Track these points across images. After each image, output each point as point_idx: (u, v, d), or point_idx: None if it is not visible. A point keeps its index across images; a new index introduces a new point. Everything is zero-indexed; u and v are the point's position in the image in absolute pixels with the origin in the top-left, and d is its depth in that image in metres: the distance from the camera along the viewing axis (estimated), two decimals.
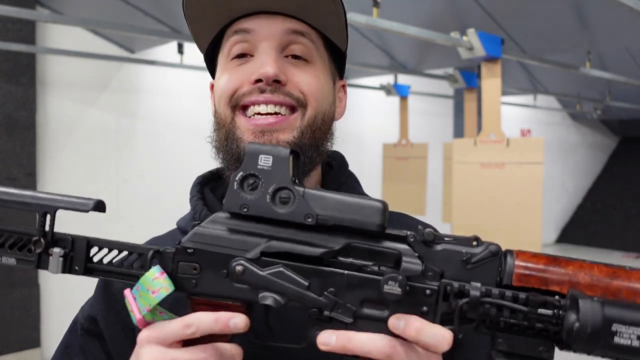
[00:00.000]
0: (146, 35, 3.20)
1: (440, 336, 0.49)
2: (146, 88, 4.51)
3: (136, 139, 4.47)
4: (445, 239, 0.55)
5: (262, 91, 0.67)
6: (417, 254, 0.53)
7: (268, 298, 0.54)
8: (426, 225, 0.62)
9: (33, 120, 3.84)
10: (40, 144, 3.92)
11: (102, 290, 0.77)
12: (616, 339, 0.44)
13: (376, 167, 5.61)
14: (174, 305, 0.60)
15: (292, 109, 0.69)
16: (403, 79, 5.33)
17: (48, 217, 0.59)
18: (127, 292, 0.58)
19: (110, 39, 4.22)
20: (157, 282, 0.56)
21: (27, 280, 3.85)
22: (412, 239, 0.54)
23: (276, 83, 0.67)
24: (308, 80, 0.69)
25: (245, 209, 0.56)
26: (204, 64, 0.81)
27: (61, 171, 4.04)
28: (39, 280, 3.93)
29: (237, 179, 0.56)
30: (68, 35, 3.95)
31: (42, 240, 0.59)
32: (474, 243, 0.53)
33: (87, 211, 0.58)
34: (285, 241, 0.56)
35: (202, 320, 0.54)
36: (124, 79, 4.38)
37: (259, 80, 0.67)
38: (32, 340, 3.88)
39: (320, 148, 0.72)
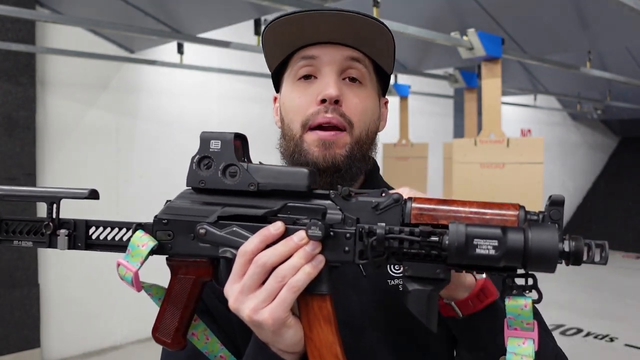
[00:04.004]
0: (146, 35, 3.20)
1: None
2: (146, 88, 4.51)
3: (136, 139, 4.47)
4: (359, 193, 0.68)
5: (326, 111, 0.82)
6: (338, 207, 0.67)
7: (226, 252, 0.68)
8: None
9: (33, 120, 3.84)
10: (39, 144, 3.92)
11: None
12: (477, 250, 0.57)
13: None
14: None
15: (343, 129, 0.84)
16: (403, 79, 5.33)
17: (54, 206, 0.74)
18: (119, 260, 0.71)
19: (110, 39, 4.22)
20: (143, 239, 0.71)
21: (27, 280, 3.85)
22: (333, 196, 0.68)
23: (336, 103, 0.83)
24: (358, 103, 0.85)
25: (202, 184, 0.70)
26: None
27: (61, 171, 4.04)
28: (38, 280, 3.93)
29: (194, 160, 0.70)
30: (68, 35, 3.95)
31: (51, 224, 0.74)
32: (382, 194, 0.66)
33: (84, 198, 0.74)
34: (236, 206, 0.70)
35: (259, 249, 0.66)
36: (123, 79, 4.38)
37: (323, 100, 0.82)
38: (32, 341, 3.88)
39: (366, 158, 0.88)
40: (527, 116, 8.72)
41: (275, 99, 0.96)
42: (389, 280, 0.86)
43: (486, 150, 2.92)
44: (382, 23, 0.82)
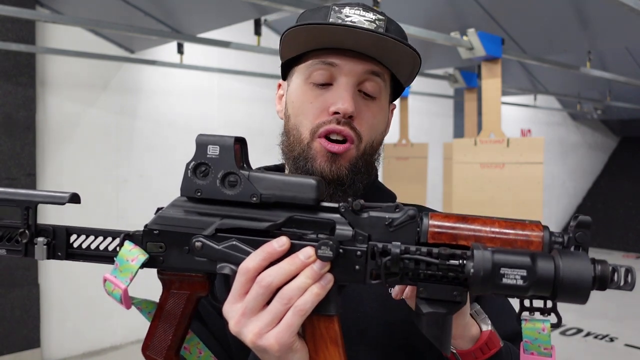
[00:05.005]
0: (146, 35, 3.20)
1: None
2: (146, 88, 4.51)
3: (136, 139, 4.47)
4: (372, 207, 0.62)
5: (338, 122, 0.80)
6: (348, 222, 0.62)
7: (225, 268, 0.63)
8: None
9: (33, 120, 3.83)
10: (40, 144, 3.92)
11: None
12: (504, 280, 0.53)
13: None
14: None
15: (351, 142, 0.82)
16: None
17: (30, 211, 0.67)
18: (106, 275, 0.65)
19: (110, 39, 4.22)
20: (133, 252, 0.65)
21: (27, 280, 3.85)
22: (343, 210, 0.62)
23: (349, 117, 0.80)
24: (370, 119, 0.83)
25: (199, 193, 0.64)
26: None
27: (61, 171, 4.04)
28: (39, 280, 3.93)
29: (190, 167, 0.64)
30: (68, 35, 3.95)
31: (26, 231, 0.67)
32: (397, 210, 0.61)
33: (64, 204, 0.67)
34: (236, 219, 0.64)
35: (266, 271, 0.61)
36: (123, 79, 4.38)
37: (336, 112, 0.80)
38: (32, 340, 3.88)
39: (369, 169, 0.86)
40: (527, 116, 8.72)
41: (280, 85, 0.93)
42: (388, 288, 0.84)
43: (486, 150, 2.92)
44: (416, 51, 0.79)
